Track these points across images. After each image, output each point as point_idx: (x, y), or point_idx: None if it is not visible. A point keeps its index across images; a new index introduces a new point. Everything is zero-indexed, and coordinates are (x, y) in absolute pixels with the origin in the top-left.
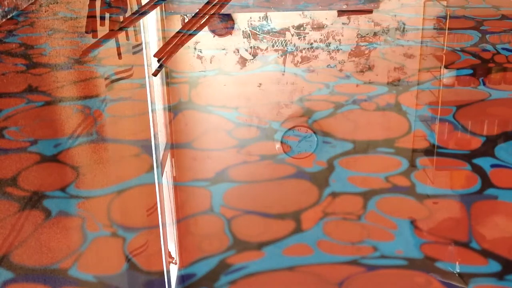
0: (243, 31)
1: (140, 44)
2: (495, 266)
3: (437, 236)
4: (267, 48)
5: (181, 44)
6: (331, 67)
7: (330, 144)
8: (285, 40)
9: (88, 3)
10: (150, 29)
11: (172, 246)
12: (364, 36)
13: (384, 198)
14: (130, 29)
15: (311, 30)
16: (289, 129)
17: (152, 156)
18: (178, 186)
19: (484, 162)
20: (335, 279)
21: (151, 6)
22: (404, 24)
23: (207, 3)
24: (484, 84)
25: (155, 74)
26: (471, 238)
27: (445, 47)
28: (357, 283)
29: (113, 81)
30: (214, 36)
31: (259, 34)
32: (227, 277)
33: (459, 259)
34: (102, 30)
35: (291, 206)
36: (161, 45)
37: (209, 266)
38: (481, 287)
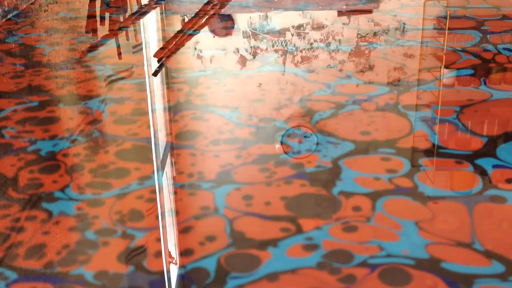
0: (243, 31)
1: (140, 44)
2: (498, 267)
3: (440, 237)
4: (267, 48)
5: (181, 44)
6: (331, 67)
7: (331, 145)
8: (285, 40)
9: (88, 3)
10: (150, 29)
11: (172, 247)
12: (364, 36)
13: (387, 199)
14: (130, 29)
15: (311, 30)
16: (290, 129)
17: (152, 156)
18: (178, 187)
19: (486, 163)
20: (338, 281)
21: (151, 6)
22: (404, 24)
23: (207, 3)
24: (485, 84)
25: (155, 74)
26: (474, 239)
27: (445, 47)
28: (361, 284)
29: (113, 81)
30: (214, 36)
31: (259, 34)
32: (228, 278)
33: (462, 260)
34: (102, 30)
35: (293, 207)
36: (161, 45)
37: (209, 267)
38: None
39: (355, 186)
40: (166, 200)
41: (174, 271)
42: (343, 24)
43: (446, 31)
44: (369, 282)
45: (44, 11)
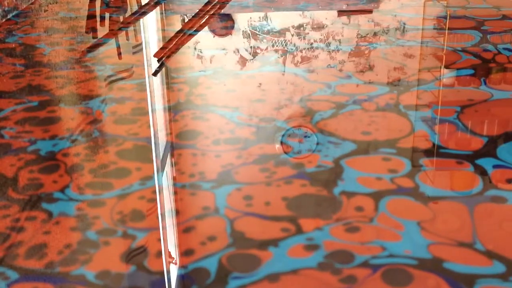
0: (243, 31)
1: (140, 44)
2: (499, 267)
3: (442, 237)
4: (267, 48)
5: (181, 44)
6: (331, 67)
7: (332, 145)
8: (285, 40)
9: (88, 3)
10: (150, 29)
11: (172, 247)
12: (364, 36)
13: (390, 199)
14: (130, 29)
15: (311, 30)
16: (290, 129)
17: (152, 157)
18: (178, 187)
19: (486, 163)
20: (340, 281)
21: (151, 6)
22: (404, 24)
23: (207, 3)
24: (485, 84)
25: (155, 74)
26: (475, 239)
27: (445, 47)
28: (363, 285)
29: (113, 81)
30: (214, 36)
31: (259, 34)
32: (229, 278)
33: (463, 260)
34: (102, 30)
35: (294, 207)
36: (161, 45)
37: (210, 267)
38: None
39: (358, 186)
40: (167, 200)
41: (174, 271)
42: (343, 24)
43: (446, 31)
44: (371, 283)
45: (44, 11)
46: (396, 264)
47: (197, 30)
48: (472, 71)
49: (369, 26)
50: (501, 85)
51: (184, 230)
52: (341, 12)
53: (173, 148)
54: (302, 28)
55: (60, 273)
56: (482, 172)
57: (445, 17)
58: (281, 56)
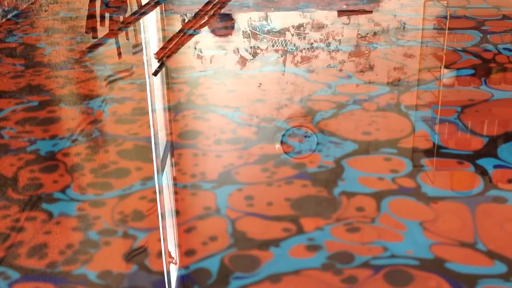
0: (243, 31)
1: (140, 44)
2: (501, 267)
3: (443, 237)
4: (267, 48)
5: (181, 44)
6: (331, 67)
7: (332, 144)
8: (285, 40)
9: (88, 3)
10: (150, 29)
11: (172, 247)
12: (364, 36)
13: (391, 199)
14: (130, 29)
15: (311, 30)
16: (290, 129)
17: (152, 157)
18: (178, 187)
19: (487, 163)
20: (342, 282)
21: (151, 6)
22: (404, 24)
23: (207, 3)
24: (486, 84)
25: (155, 74)
26: (477, 239)
27: (445, 47)
28: (365, 285)
29: (113, 81)
30: (214, 36)
31: (259, 34)
32: (229, 279)
33: (465, 260)
34: (102, 30)
35: (295, 207)
36: (161, 45)
37: (210, 268)
38: None
39: (359, 186)
40: (167, 201)
41: (174, 272)
42: (343, 24)
43: (446, 31)
44: (374, 283)
45: (44, 11)
46: (398, 265)
47: (197, 30)
48: (472, 71)
49: (369, 26)
50: (501, 85)
51: (185, 230)
52: (341, 12)
53: (173, 148)
54: (302, 28)
55: (61, 273)
56: (483, 172)
57: (445, 17)
58: (281, 56)
